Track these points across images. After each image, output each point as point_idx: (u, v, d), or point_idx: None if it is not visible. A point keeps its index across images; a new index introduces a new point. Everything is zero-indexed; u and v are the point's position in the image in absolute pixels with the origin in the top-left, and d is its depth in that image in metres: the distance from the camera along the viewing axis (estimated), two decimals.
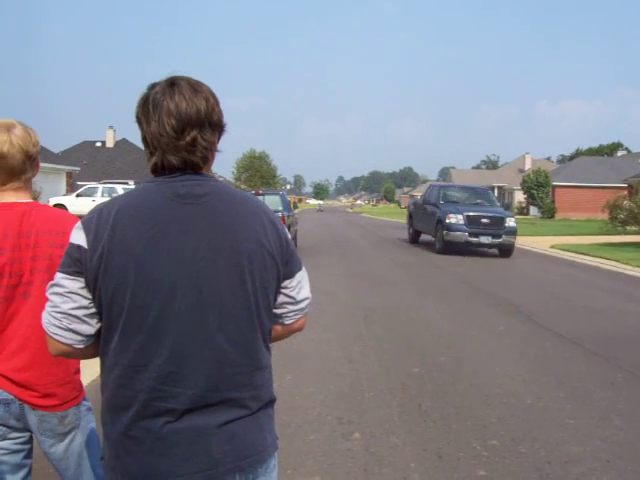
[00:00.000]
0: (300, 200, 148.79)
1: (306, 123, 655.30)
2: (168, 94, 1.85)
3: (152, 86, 1.90)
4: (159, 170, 1.89)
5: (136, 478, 1.80)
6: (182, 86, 1.87)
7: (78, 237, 1.82)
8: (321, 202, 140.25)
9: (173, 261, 1.80)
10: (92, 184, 38.69)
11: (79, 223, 1.86)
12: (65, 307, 1.80)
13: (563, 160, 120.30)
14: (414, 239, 26.76)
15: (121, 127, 63.65)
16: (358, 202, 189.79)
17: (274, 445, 2.00)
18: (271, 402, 2.01)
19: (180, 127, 1.84)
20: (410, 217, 27.32)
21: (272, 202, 20.91)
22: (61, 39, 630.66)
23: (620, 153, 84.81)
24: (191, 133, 1.85)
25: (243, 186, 64.34)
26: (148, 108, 1.86)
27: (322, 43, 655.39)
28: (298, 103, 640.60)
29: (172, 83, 1.88)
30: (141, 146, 1.96)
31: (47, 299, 1.85)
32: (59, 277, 1.83)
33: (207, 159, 1.93)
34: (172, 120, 1.83)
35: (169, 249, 1.80)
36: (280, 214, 19.41)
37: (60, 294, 1.81)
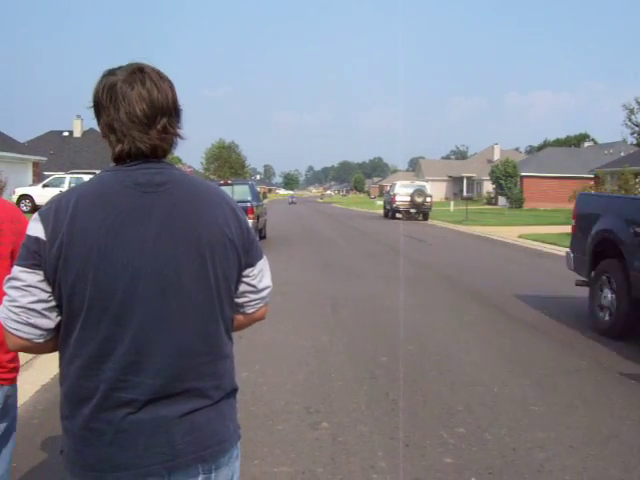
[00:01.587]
0: (270, 190, 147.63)
1: (276, 113, 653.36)
2: (139, 80, 1.82)
3: (112, 72, 1.86)
4: (123, 158, 1.85)
5: (97, 470, 1.78)
6: (150, 73, 1.85)
7: (35, 229, 1.78)
8: (292, 193, 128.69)
9: (135, 250, 1.77)
10: (59, 174, 38.15)
11: (36, 215, 1.81)
12: (24, 301, 1.76)
13: (531, 151, 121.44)
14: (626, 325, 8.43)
15: (89, 117, 62.40)
16: (328, 192, 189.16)
17: (237, 434, 1.99)
18: (233, 391, 1.99)
19: (152, 114, 1.82)
20: (623, 255, 8.42)
21: (241, 192, 20.84)
22: (27, 26, 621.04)
23: (587, 144, 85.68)
24: (162, 121, 1.84)
25: (212, 176, 64.01)
26: (115, 94, 1.81)
27: (292, 32, 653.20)
28: (268, 93, 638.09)
29: (139, 69, 1.85)
30: None
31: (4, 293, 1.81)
32: (17, 270, 1.78)
33: (173, 147, 1.93)
34: (144, 106, 1.81)
35: (130, 238, 1.77)
36: (249, 204, 19.36)
37: (18, 288, 1.77)
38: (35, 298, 1.77)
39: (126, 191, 1.81)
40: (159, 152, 1.88)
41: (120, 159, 1.86)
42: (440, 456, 4.68)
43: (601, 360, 7.38)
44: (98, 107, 1.87)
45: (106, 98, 1.83)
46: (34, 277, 1.76)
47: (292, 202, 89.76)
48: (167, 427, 1.79)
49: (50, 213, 1.78)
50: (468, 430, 5.15)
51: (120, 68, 1.87)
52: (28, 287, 1.76)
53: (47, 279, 1.76)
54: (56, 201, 1.81)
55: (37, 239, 1.77)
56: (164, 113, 1.85)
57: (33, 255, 1.76)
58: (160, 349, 1.80)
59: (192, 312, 1.84)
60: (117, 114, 1.81)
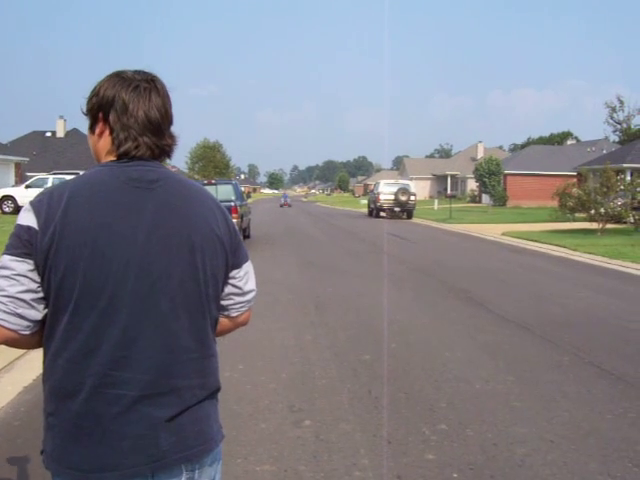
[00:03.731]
0: (255, 190, 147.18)
1: (261, 113, 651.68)
2: (156, 88, 1.93)
3: (124, 74, 1.93)
4: (127, 156, 1.89)
5: (82, 470, 1.77)
6: (160, 82, 1.96)
7: (28, 218, 1.78)
8: (285, 192, 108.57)
9: (126, 244, 1.79)
10: (42, 175, 37.92)
11: (28, 205, 1.82)
12: (12, 290, 1.75)
13: (515, 149, 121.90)
14: None
15: (72, 117, 62.34)
16: (312, 191, 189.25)
17: (220, 434, 2.00)
18: (217, 391, 2.00)
19: (165, 121, 1.94)
20: None
21: (225, 192, 20.82)
22: (9, 24, 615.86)
23: (570, 142, 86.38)
24: (169, 127, 1.97)
25: (197, 176, 63.83)
26: (138, 96, 1.89)
27: (277, 32, 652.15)
28: (253, 93, 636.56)
29: (153, 79, 1.94)
30: None
31: None
32: (6, 259, 1.77)
33: (172, 153, 2.02)
34: (160, 114, 1.92)
35: (122, 231, 1.79)
36: (233, 204, 19.33)
37: (7, 277, 1.75)
38: (24, 288, 1.76)
39: (120, 186, 1.84)
40: (162, 155, 1.96)
41: (123, 156, 1.89)
42: (422, 453, 4.71)
43: (582, 356, 7.44)
44: (108, 104, 1.90)
45: (127, 97, 1.89)
46: (24, 266, 1.75)
47: (285, 204, 68.60)
48: (155, 430, 1.80)
49: (43, 204, 1.79)
50: (450, 426, 5.19)
51: (131, 72, 1.95)
52: (17, 276, 1.75)
53: (37, 269, 1.76)
54: (48, 192, 1.83)
55: (29, 228, 1.76)
56: (171, 121, 1.97)
57: (24, 244, 1.76)
58: (149, 344, 1.81)
59: (181, 308, 1.86)
60: (136, 114, 1.88)
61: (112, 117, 1.89)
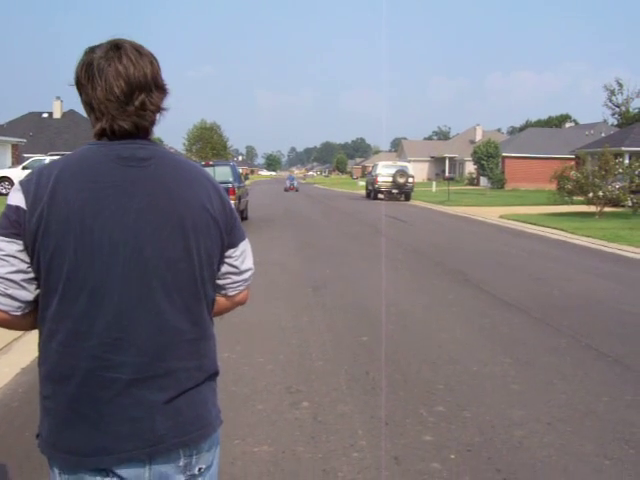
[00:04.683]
0: (252, 171, 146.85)
1: (259, 94, 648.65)
2: (116, 57, 1.79)
3: (92, 49, 1.84)
4: (105, 136, 1.83)
5: (78, 454, 1.76)
6: (127, 49, 1.82)
7: (16, 198, 1.75)
8: (291, 174, 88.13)
9: (116, 223, 1.75)
10: (39, 156, 37.80)
11: (17, 184, 1.79)
12: (2, 271, 1.73)
13: (513, 131, 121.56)
14: None
15: (69, 98, 62.06)
16: (310, 173, 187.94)
17: (218, 419, 1.97)
18: (215, 374, 1.97)
19: (129, 91, 1.79)
20: None
21: (222, 173, 20.77)
22: (5, 3, 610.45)
23: (568, 125, 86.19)
24: (139, 97, 1.81)
25: (194, 157, 63.61)
26: (92, 72, 1.79)
27: (275, 12, 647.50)
28: (251, 74, 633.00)
29: (116, 46, 1.81)
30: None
31: None
32: None
33: (155, 123, 1.90)
34: (121, 83, 1.78)
35: (112, 211, 1.75)
36: (230, 185, 19.32)
37: None
38: (14, 268, 1.73)
39: (109, 164, 1.79)
40: (140, 130, 1.85)
41: (102, 137, 1.84)
42: (419, 434, 4.72)
43: (579, 338, 7.45)
44: (78, 85, 1.85)
45: (85, 76, 1.81)
46: (13, 246, 1.73)
47: (291, 187, 57.88)
48: (151, 414, 1.78)
49: (32, 183, 1.76)
50: (448, 408, 5.20)
51: (100, 45, 1.84)
52: (7, 257, 1.73)
53: (26, 249, 1.74)
54: (37, 172, 1.80)
55: (18, 208, 1.74)
56: (142, 89, 1.81)
57: (13, 224, 1.73)
58: (142, 326, 1.77)
59: (174, 289, 1.82)
60: (95, 92, 1.79)
61: (84, 97, 1.83)
